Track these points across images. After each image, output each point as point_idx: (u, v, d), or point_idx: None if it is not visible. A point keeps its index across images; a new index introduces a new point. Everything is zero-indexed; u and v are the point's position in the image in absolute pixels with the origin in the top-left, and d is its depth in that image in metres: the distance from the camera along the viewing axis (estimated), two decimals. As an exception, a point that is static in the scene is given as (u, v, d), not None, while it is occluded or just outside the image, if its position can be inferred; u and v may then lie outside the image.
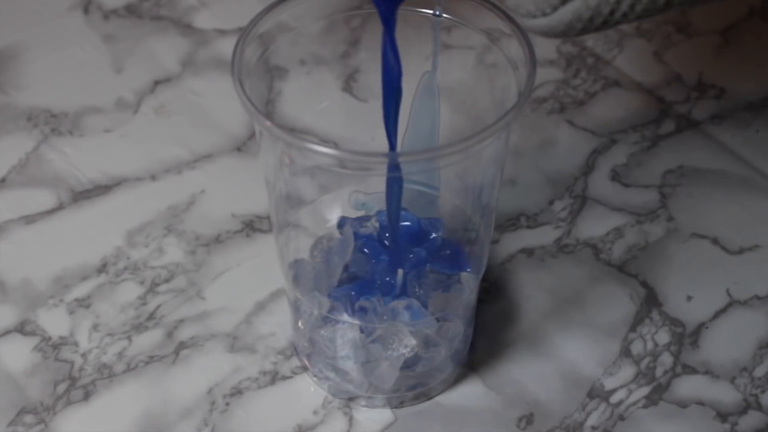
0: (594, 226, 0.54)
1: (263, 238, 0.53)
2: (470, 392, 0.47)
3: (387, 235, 0.45)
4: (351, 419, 0.46)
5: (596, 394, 0.47)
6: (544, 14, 0.34)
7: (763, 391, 0.47)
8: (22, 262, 0.52)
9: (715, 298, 0.51)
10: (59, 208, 0.54)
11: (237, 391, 0.47)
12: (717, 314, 0.50)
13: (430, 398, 0.47)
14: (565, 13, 0.34)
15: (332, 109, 0.46)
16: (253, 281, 0.51)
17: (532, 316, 0.50)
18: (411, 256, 0.45)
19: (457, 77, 0.44)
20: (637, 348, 0.49)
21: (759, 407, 0.47)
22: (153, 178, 0.56)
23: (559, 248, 0.53)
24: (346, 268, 0.45)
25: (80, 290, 0.50)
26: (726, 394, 0.47)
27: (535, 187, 0.55)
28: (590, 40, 0.63)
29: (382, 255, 0.45)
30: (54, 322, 0.49)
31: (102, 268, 0.51)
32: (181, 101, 0.60)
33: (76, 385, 0.47)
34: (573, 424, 0.46)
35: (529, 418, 0.46)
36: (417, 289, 0.44)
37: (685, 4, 0.34)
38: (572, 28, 0.34)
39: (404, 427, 0.46)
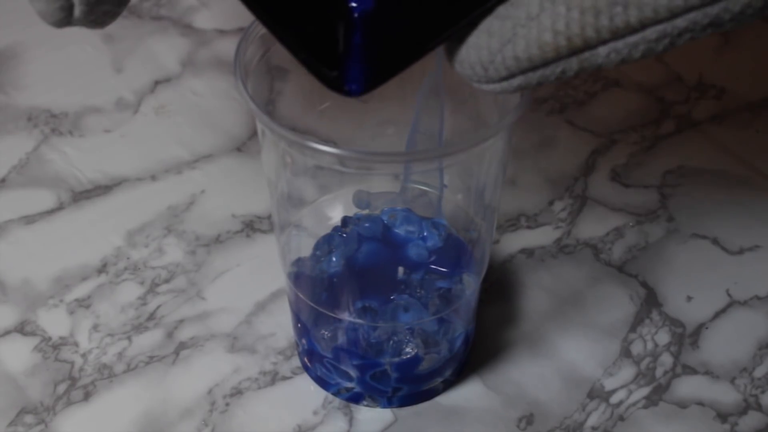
0: (594, 226, 0.54)
1: (263, 238, 0.53)
2: (470, 392, 0.47)
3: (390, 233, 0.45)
4: (351, 419, 0.46)
5: (596, 394, 0.47)
6: (488, 83, 0.33)
7: (763, 392, 0.47)
8: (22, 262, 0.52)
9: (715, 299, 0.51)
10: (59, 208, 0.54)
11: (237, 392, 0.47)
12: (717, 314, 0.50)
13: (430, 398, 0.47)
14: (509, 86, 0.33)
15: (333, 109, 0.45)
16: (253, 281, 0.51)
17: (532, 317, 0.50)
18: (412, 256, 0.45)
19: (459, 77, 0.44)
20: (637, 348, 0.49)
21: (759, 408, 0.47)
22: (153, 178, 0.56)
23: (559, 248, 0.53)
24: (347, 267, 0.45)
25: (80, 290, 0.50)
26: (726, 395, 0.47)
27: (535, 187, 0.55)
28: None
29: (384, 255, 0.45)
30: (54, 322, 0.49)
31: (102, 269, 0.51)
32: (181, 101, 0.60)
33: (76, 386, 0.47)
34: (573, 424, 0.46)
35: (529, 419, 0.46)
36: (418, 289, 0.44)
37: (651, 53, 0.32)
38: (524, 89, 0.33)
39: (404, 427, 0.46)
